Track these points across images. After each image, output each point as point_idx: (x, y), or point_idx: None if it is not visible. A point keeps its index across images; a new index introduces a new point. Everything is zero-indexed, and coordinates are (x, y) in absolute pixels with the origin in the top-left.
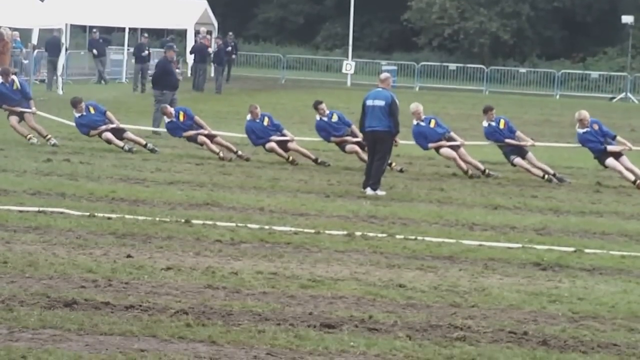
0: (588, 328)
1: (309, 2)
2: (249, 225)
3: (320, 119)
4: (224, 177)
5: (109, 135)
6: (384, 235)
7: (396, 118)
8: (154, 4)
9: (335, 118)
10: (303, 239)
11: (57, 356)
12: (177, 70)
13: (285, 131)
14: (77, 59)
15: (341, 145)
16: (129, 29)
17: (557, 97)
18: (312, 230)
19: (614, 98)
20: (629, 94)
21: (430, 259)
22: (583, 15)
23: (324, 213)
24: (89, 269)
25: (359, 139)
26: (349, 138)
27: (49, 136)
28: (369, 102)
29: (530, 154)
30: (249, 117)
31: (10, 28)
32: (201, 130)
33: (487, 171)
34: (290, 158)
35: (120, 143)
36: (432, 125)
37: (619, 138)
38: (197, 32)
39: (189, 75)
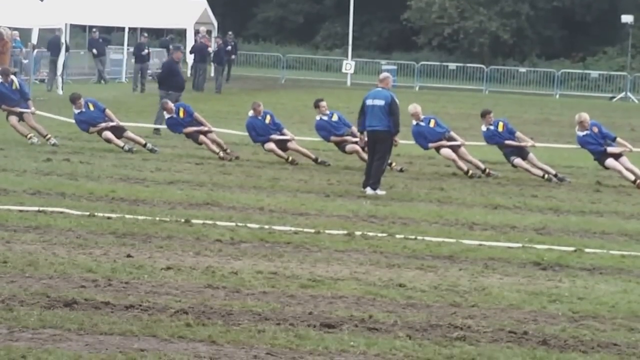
0: (588, 328)
1: (309, 2)
2: (248, 224)
3: (321, 118)
4: (224, 177)
5: (108, 134)
6: (384, 234)
7: (396, 118)
8: (153, 3)
9: (335, 118)
10: (303, 239)
11: (57, 356)
12: None
13: (285, 130)
14: (77, 58)
15: (341, 145)
16: (129, 28)
17: (557, 96)
18: (312, 230)
19: (613, 98)
20: (628, 94)
21: (430, 258)
22: (583, 14)
23: (324, 213)
24: (88, 268)
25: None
26: (349, 138)
27: (49, 136)
28: (369, 102)
29: (531, 155)
30: (251, 113)
31: (10, 28)
32: (201, 128)
33: (487, 170)
34: (290, 158)
35: (120, 143)
36: (431, 125)
37: (619, 139)
38: (196, 32)
39: (188, 75)
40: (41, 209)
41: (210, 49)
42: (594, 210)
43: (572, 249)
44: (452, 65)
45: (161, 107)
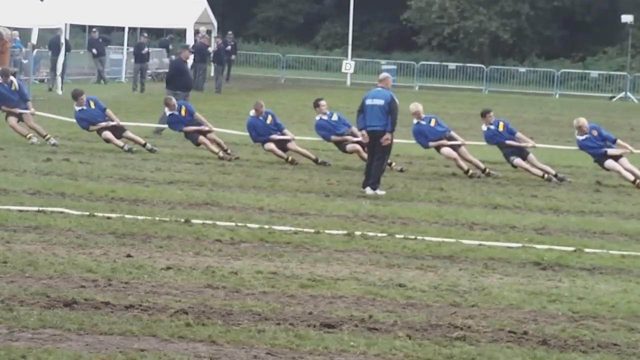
0: (588, 328)
1: (309, 2)
2: (248, 224)
3: (320, 118)
4: (224, 177)
5: (108, 134)
6: (384, 234)
7: (395, 117)
8: (153, 3)
9: (335, 118)
10: (303, 239)
11: (57, 356)
12: None
13: (286, 131)
14: (77, 58)
15: (341, 144)
16: (129, 28)
17: (557, 96)
18: (312, 230)
19: (613, 97)
20: (628, 94)
21: (430, 258)
22: (583, 14)
23: (324, 212)
24: (88, 268)
25: (360, 139)
26: (349, 138)
27: (48, 136)
28: (368, 102)
29: (531, 155)
30: (252, 113)
31: (9, 28)
32: (202, 127)
33: (487, 170)
34: (290, 158)
35: (120, 143)
36: (432, 124)
37: (619, 141)
38: (196, 32)
39: None
40: (41, 209)
41: (210, 49)
42: (593, 210)
43: (572, 249)
44: (452, 65)
45: (164, 103)
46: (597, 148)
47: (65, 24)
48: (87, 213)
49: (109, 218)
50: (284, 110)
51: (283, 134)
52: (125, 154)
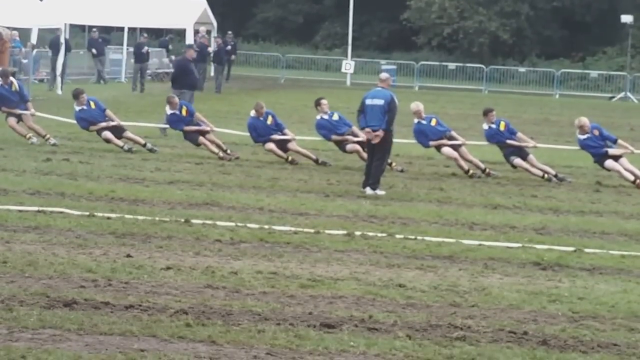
0: (588, 328)
1: (308, 2)
2: (248, 224)
3: (321, 117)
4: (224, 177)
5: (108, 134)
6: (384, 234)
7: (392, 117)
8: (153, 3)
9: (336, 117)
10: (303, 239)
11: (56, 356)
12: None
13: (286, 131)
14: (76, 58)
15: (342, 144)
16: (128, 28)
17: (557, 96)
18: (312, 230)
19: (613, 97)
20: (628, 94)
21: (430, 258)
22: (582, 14)
23: (324, 213)
24: (88, 268)
25: (360, 139)
26: (349, 137)
27: (48, 136)
28: (368, 102)
29: (531, 156)
30: (253, 113)
31: (9, 27)
32: (203, 127)
33: (487, 170)
34: (290, 158)
35: (120, 143)
36: (433, 123)
37: (620, 141)
38: (196, 32)
39: None
40: (41, 209)
41: (210, 49)
42: (593, 210)
43: (571, 249)
44: (451, 65)
45: (167, 101)
46: (598, 147)
47: (65, 24)
48: (87, 213)
49: (108, 218)
50: (284, 111)
51: (284, 134)
52: (125, 154)
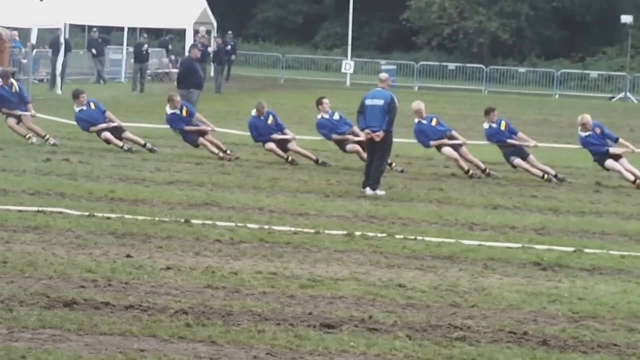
0: (588, 328)
1: (308, 2)
2: (248, 225)
3: (322, 117)
4: (224, 177)
5: (108, 135)
6: (384, 235)
7: (392, 117)
8: (152, 3)
9: (336, 117)
10: (302, 239)
11: (56, 356)
12: (175, 70)
13: (287, 130)
14: (76, 58)
15: (342, 144)
16: (128, 28)
17: (556, 96)
18: (312, 230)
19: (613, 98)
20: (628, 94)
21: (430, 258)
22: (582, 14)
23: (324, 213)
24: (88, 268)
25: (361, 139)
26: (350, 137)
27: (47, 136)
28: (368, 102)
29: (531, 156)
30: (254, 112)
31: (9, 27)
32: (204, 127)
33: (487, 170)
34: (290, 158)
35: (120, 143)
36: (433, 123)
37: (621, 140)
38: (196, 32)
39: None
40: (40, 209)
41: (210, 49)
42: (593, 210)
43: (571, 249)
44: (451, 66)
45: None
46: (599, 145)
47: (65, 24)
48: (87, 213)
49: (108, 218)
50: (283, 111)
51: (284, 134)
52: (124, 154)
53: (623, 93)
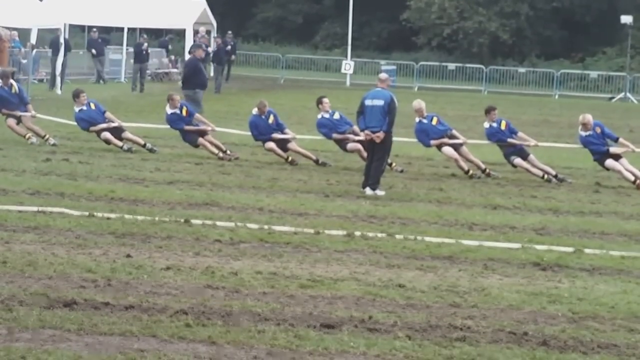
0: (588, 328)
1: (308, 2)
2: (248, 225)
3: (322, 116)
4: (223, 177)
5: (107, 135)
6: (384, 235)
7: (392, 118)
8: (152, 3)
9: (337, 116)
10: (302, 239)
11: (56, 356)
12: (175, 70)
13: (287, 130)
14: (76, 58)
15: (342, 143)
16: (128, 28)
17: (556, 97)
18: (312, 230)
19: (613, 98)
20: (628, 94)
21: (430, 259)
22: (582, 15)
23: (324, 213)
24: (88, 268)
25: (361, 138)
26: (350, 136)
27: (47, 136)
28: (368, 102)
29: (532, 156)
30: (255, 111)
31: (8, 28)
32: (204, 127)
33: (487, 170)
34: (290, 158)
35: (120, 143)
36: (434, 122)
37: (621, 140)
38: (196, 32)
39: None
40: (40, 209)
41: (210, 49)
42: (593, 210)
43: (571, 249)
44: (451, 66)
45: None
46: (599, 145)
47: (65, 24)
48: (87, 213)
49: (108, 218)
50: (283, 111)
51: (284, 134)
52: (124, 154)
53: (623, 93)
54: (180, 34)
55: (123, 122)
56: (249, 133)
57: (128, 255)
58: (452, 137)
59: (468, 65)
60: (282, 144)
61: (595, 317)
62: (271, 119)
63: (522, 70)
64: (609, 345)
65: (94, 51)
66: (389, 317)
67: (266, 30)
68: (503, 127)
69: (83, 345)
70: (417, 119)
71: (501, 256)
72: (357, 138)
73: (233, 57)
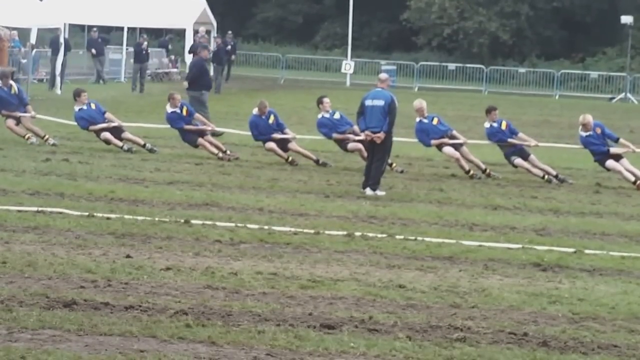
0: (588, 329)
1: (308, 2)
2: (248, 225)
3: (323, 116)
4: (223, 177)
5: (107, 135)
6: (384, 235)
7: (393, 118)
8: (152, 3)
9: (337, 116)
10: (303, 239)
11: (56, 357)
12: (175, 70)
13: (287, 130)
14: (76, 58)
15: (343, 142)
16: (128, 28)
17: (557, 97)
18: (312, 231)
19: (613, 98)
20: (628, 95)
21: (430, 259)
22: (582, 15)
23: (324, 213)
24: (88, 269)
25: (362, 138)
26: (351, 136)
27: (47, 136)
28: (368, 102)
29: (532, 156)
30: (255, 111)
31: (8, 27)
32: (204, 127)
33: (487, 171)
34: (290, 158)
35: (120, 143)
36: (434, 122)
37: (622, 140)
38: (195, 32)
39: None
40: (40, 209)
41: (210, 49)
42: (593, 211)
43: (572, 250)
44: (451, 66)
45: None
46: (599, 145)
47: (65, 24)
48: (87, 213)
49: (108, 218)
50: (283, 111)
51: (285, 134)
52: (124, 154)
53: (623, 94)
54: (180, 33)
55: (123, 122)
56: (249, 133)
57: (128, 256)
58: (453, 137)
59: (468, 65)
60: (283, 144)
61: (596, 317)
62: (271, 119)
63: (522, 70)
64: (610, 346)
65: (93, 51)
66: (389, 318)
67: (266, 30)
68: (504, 127)
69: (83, 345)
70: (417, 119)
71: (501, 257)
72: (357, 138)
73: (233, 57)
